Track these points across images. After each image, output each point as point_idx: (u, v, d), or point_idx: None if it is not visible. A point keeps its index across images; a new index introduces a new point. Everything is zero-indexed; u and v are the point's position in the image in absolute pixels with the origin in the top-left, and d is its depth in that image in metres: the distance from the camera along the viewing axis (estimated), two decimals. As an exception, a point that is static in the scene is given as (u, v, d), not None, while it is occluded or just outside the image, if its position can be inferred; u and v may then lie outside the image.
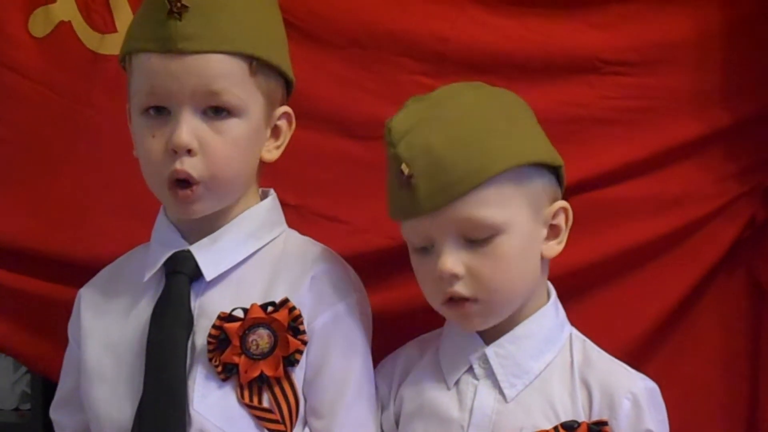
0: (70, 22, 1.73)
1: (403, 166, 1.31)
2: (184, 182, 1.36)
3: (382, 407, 1.44)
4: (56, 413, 1.55)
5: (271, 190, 1.48)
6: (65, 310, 1.68)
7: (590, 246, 1.61)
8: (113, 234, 1.68)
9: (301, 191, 1.55)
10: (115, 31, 1.72)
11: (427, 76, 1.66)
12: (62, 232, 1.71)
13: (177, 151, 1.34)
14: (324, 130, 1.57)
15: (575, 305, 1.52)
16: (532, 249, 1.37)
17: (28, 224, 1.72)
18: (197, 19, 1.34)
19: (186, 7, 1.33)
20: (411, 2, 1.67)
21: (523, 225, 1.35)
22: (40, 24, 1.73)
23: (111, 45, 1.71)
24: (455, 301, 1.35)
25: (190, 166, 1.35)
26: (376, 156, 1.65)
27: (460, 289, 1.33)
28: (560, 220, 1.39)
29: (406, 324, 1.48)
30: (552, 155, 1.39)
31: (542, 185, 1.37)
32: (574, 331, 1.43)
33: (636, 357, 1.54)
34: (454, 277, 1.33)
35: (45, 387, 2.02)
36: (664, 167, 1.65)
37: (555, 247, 1.39)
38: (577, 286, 1.60)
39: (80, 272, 1.68)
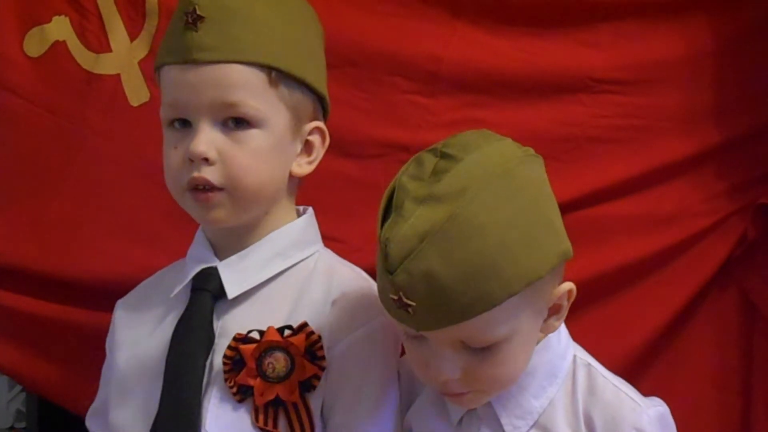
0: (65, 41, 1.73)
1: (401, 295, 1.18)
2: (203, 188, 1.34)
3: None
4: (90, 422, 1.53)
5: (309, 209, 1.47)
6: (61, 328, 1.69)
7: (583, 263, 1.60)
8: (108, 254, 1.68)
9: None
10: (109, 50, 1.73)
11: (420, 95, 1.68)
12: (57, 252, 1.71)
13: (194, 160, 1.33)
14: (318, 149, 1.57)
15: (568, 322, 1.51)
16: (533, 339, 1.29)
17: (23, 244, 1.72)
18: (214, 29, 1.33)
19: (201, 17, 1.33)
20: (404, 22, 1.68)
21: (527, 326, 1.25)
22: (35, 44, 1.74)
23: (106, 65, 1.72)
24: (450, 393, 1.29)
25: (208, 173, 1.33)
26: (369, 175, 1.67)
27: (456, 388, 1.27)
28: (563, 300, 1.29)
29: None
30: (565, 251, 1.26)
31: (551, 280, 1.26)
32: (579, 353, 1.37)
33: (630, 373, 1.53)
34: (452, 382, 1.26)
35: (40, 406, 2.01)
36: (656, 185, 1.66)
37: (554, 324, 1.30)
38: (571, 303, 1.61)
39: (75, 291, 1.69)
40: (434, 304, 1.18)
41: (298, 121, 1.40)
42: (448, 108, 1.67)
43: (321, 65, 1.45)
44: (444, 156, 1.23)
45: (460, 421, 1.35)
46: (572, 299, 1.30)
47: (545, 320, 1.29)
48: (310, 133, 1.42)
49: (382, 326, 1.39)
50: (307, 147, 1.42)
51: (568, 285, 1.29)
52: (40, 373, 1.73)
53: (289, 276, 1.41)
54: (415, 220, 1.18)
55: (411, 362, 1.31)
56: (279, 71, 1.36)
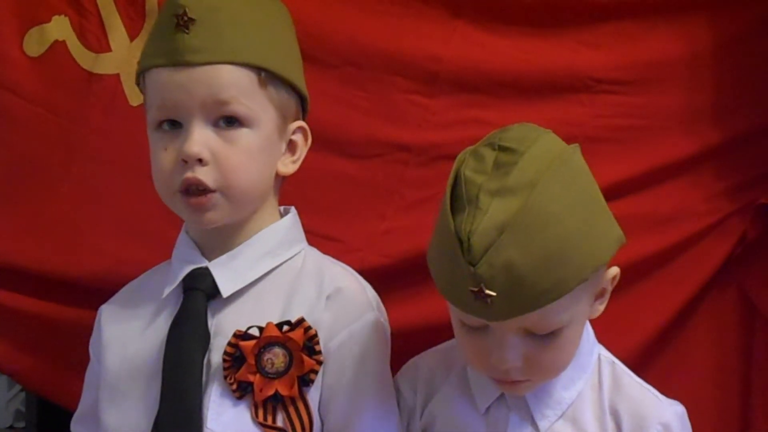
0: (64, 41, 1.73)
1: (482, 286, 1.20)
2: (196, 190, 1.36)
3: (408, 415, 1.43)
4: (76, 427, 1.54)
5: (292, 208, 1.49)
6: (61, 328, 1.69)
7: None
8: (108, 253, 1.68)
9: (296, 209, 1.55)
10: (109, 50, 1.73)
11: (420, 94, 1.68)
12: (57, 251, 1.71)
13: (188, 161, 1.34)
14: (318, 149, 1.56)
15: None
16: (584, 324, 1.34)
17: (23, 243, 1.72)
18: (204, 31, 1.35)
19: (192, 20, 1.34)
20: (405, 22, 1.68)
21: (583, 311, 1.31)
22: (34, 43, 1.74)
23: (105, 64, 1.73)
24: (508, 381, 1.32)
25: (202, 174, 1.35)
26: (369, 175, 1.67)
27: (516, 375, 1.30)
28: (609, 284, 1.34)
29: (400, 342, 1.48)
30: (621, 236, 1.32)
31: (605, 268, 1.32)
32: (603, 352, 1.41)
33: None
34: (513, 369, 1.28)
35: (40, 405, 2.01)
36: (656, 185, 1.66)
37: (598, 308, 1.35)
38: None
39: (75, 290, 1.69)
40: (513, 294, 1.21)
41: (284, 120, 1.42)
42: (447, 108, 1.67)
43: (301, 65, 1.47)
44: (503, 149, 1.26)
45: (488, 409, 1.37)
46: (616, 282, 1.34)
47: (591, 305, 1.33)
48: (294, 132, 1.45)
49: (375, 321, 1.42)
50: (291, 146, 1.45)
51: (615, 269, 1.34)
52: (38, 372, 1.73)
53: (279, 274, 1.43)
54: (492, 212, 1.21)
55: (467, 353, 1.33)
56: (268, 72, 1.38)
